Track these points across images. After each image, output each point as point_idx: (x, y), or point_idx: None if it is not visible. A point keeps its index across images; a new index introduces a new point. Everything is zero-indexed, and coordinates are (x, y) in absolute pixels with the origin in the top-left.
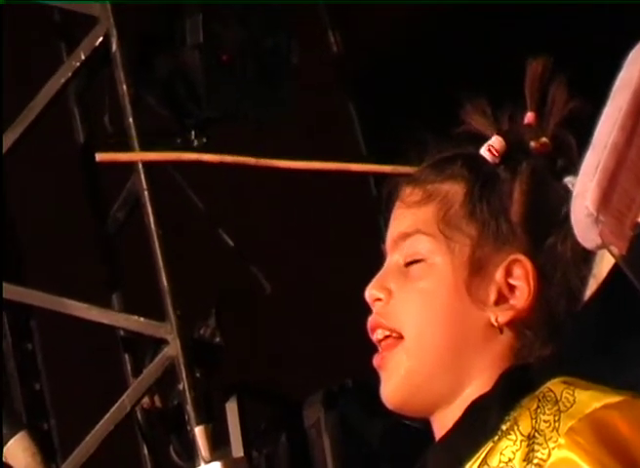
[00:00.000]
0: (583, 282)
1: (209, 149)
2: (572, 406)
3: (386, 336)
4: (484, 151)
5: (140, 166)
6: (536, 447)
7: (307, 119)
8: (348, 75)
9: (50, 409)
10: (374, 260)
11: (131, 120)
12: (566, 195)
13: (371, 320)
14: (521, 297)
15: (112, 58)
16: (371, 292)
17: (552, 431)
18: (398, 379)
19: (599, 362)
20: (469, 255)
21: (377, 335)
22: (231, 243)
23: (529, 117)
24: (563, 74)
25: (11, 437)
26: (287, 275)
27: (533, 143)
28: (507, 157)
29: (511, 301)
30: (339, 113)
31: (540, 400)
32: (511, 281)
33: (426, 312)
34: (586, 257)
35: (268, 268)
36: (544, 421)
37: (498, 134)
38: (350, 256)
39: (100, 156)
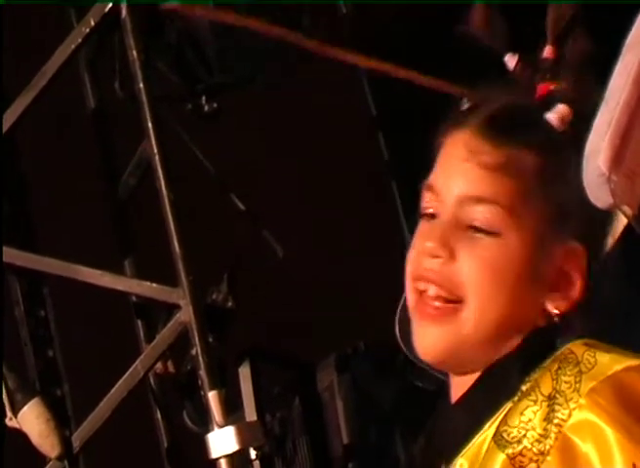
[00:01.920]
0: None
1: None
2: (593, 367)
3: (440, 296)
4: (554, 119)
5: (152, 131)
6: (556, 407)
7: (317, 82)
8: (357, 36)
9: (63, 375)
10: (386, 220)
11: (141, 85)
12: None
13: (423, 272)
14: (575, 288)
15: (122, 24)
16: (432, 247)
17: (573, 392)
18: (450, 340)
19: (611, 324)
20: (538, 234)
21: (429, 290)
22: (243, 207)
23: (548, 51)
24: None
25: (24, 403)
26: (299, 239)
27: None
28: (573, 127)
29: (568, 292)
30: (348, 76)
31: (561, 361)
32: (568, 268)
33: (493, 285)
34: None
35: (280, 232)
36: (565, 382)
37: (563, 102)
38: (364, 220)
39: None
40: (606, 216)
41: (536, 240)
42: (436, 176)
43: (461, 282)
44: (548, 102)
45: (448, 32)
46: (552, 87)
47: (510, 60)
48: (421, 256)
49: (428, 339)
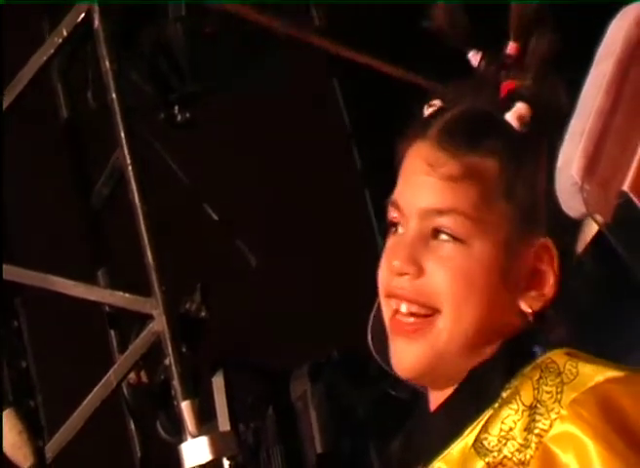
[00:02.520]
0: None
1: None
2: (575, 378)
3: (413, 313)
4: (513, 120)
5: (124, 141)
6: (537, 417)
7: (292, 94)
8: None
9: (36, 386)
10: (360, 231)
11: (114, 95)
12: None
13: (393, 289)
14: (549, 284)
15: (95, 34)
16: (399, 265)
17: (554, 402)
18: (428, 355)
19: (582, 330)
20: (504, 238)
21: (401, 308)
22: (216, 217)
23: (511, 47)
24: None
25: None
26: (273, 249)
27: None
28: (533, 125)
29: (542, 289)
30: (322, 89)
31: (542, 370)
32: (540, 266)
33: (465, 292)
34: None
35: (254, 242)
36: (547, 392)
37: (521, 100)
38: (337, 232)
39: None
40: None
41: (502, 243)
42: (399, 192)
43: (432, 293)
44: (508, 102)
45: (413, 28)
46: (515, 85)
47: (474, 57)
48: (390, 275)
49: (405, 356)
